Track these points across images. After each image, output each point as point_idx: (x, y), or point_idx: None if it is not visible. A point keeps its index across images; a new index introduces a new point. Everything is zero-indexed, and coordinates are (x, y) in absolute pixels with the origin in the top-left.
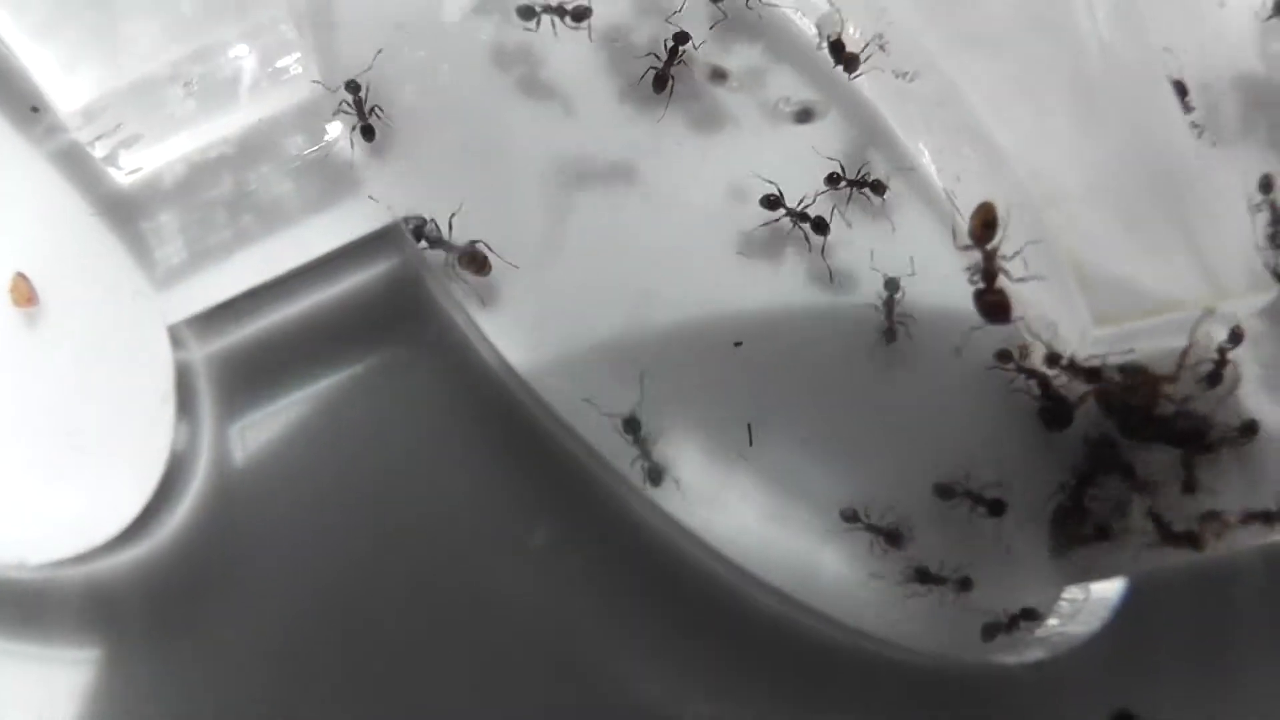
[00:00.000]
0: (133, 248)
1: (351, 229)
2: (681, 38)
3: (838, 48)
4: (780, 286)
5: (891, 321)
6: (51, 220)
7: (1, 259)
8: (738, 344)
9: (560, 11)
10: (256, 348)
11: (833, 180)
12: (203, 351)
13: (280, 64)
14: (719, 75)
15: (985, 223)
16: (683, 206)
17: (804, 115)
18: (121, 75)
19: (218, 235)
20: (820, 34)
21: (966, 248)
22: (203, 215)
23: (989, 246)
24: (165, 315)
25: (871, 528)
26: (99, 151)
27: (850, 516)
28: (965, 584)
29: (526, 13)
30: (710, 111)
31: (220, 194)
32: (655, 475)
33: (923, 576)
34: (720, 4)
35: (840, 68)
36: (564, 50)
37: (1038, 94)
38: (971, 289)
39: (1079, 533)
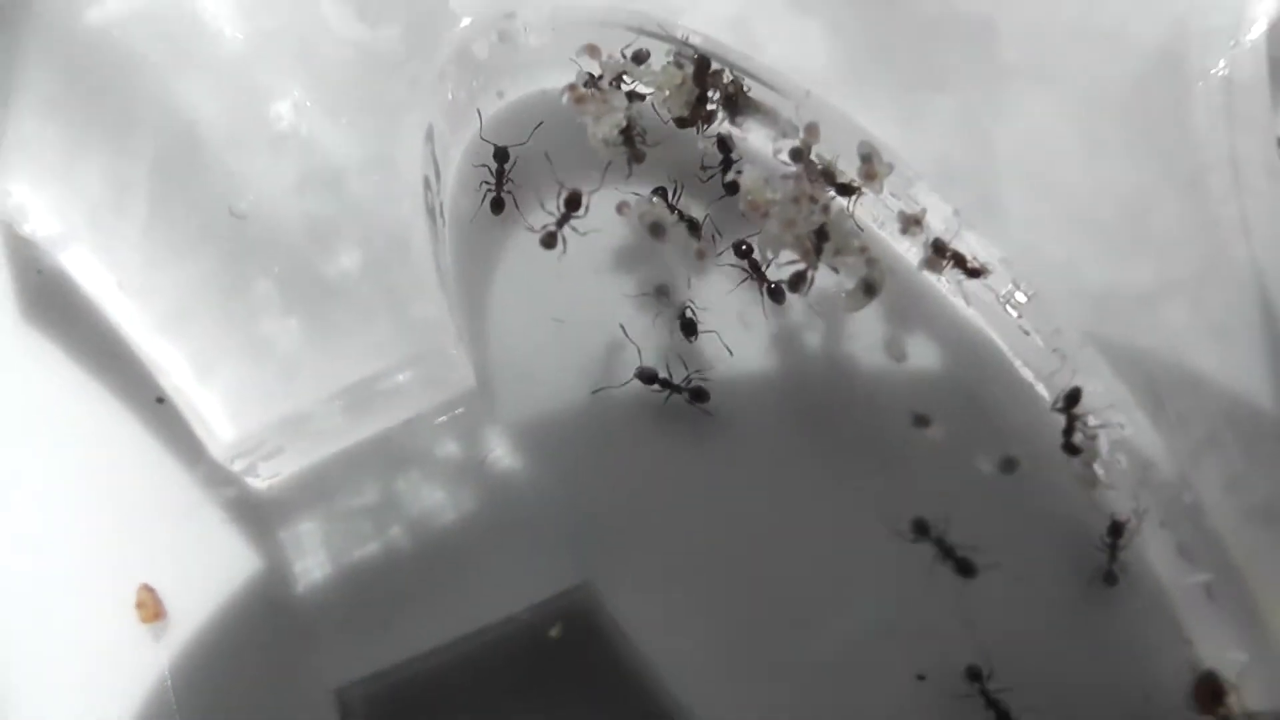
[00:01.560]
0: (269, 559)
1: (512, 564)
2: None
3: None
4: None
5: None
6: (179, 526)
7: (126, 570)
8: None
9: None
10: (419, 688)
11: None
12: (363, 691)
13: (438, 376)
14: (922, 421)
15: (1213, 696)
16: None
17: (1008, 465)
18: (273, 401)
19: (363, 547)
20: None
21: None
22: (348, 525)
23: (1222, 712)
24: (312, 641)
25: None
26: (236, 466)
27: None
28: None
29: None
30: (899, 455)
31: (365, 502)
32: None
33: None
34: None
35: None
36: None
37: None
38: None
39: None
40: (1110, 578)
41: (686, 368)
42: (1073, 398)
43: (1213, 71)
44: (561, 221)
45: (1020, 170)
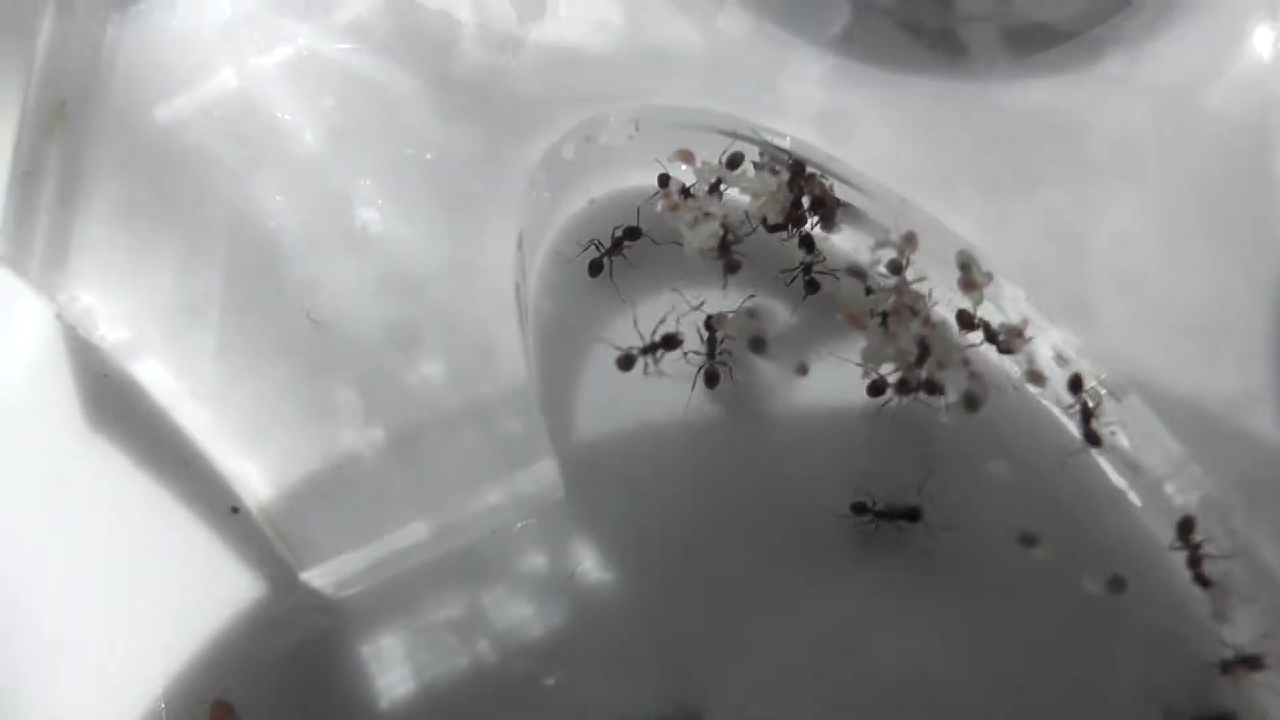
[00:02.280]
0: (349, 676)
1: (606, 680)
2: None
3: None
4: None
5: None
6: (254, 640)
7: (199, 686)
8: None
9: None
10: None
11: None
12: None
13: (527, 490)
14: (1029, 541)
15: None
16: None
17: (1116, 585)
18: (356, 517)
19: (449, 664)
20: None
21: None
22: (433, 640)
23: None
24: None
25: None
26: (316, 581)
27: None
28: None
29: None
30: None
31: (449, 616)
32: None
33: None
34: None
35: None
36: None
37: None
38: None
39: None
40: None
41: None
42: (1186, 525)
43: None
44: (647, 350)
45: (1109, 272)
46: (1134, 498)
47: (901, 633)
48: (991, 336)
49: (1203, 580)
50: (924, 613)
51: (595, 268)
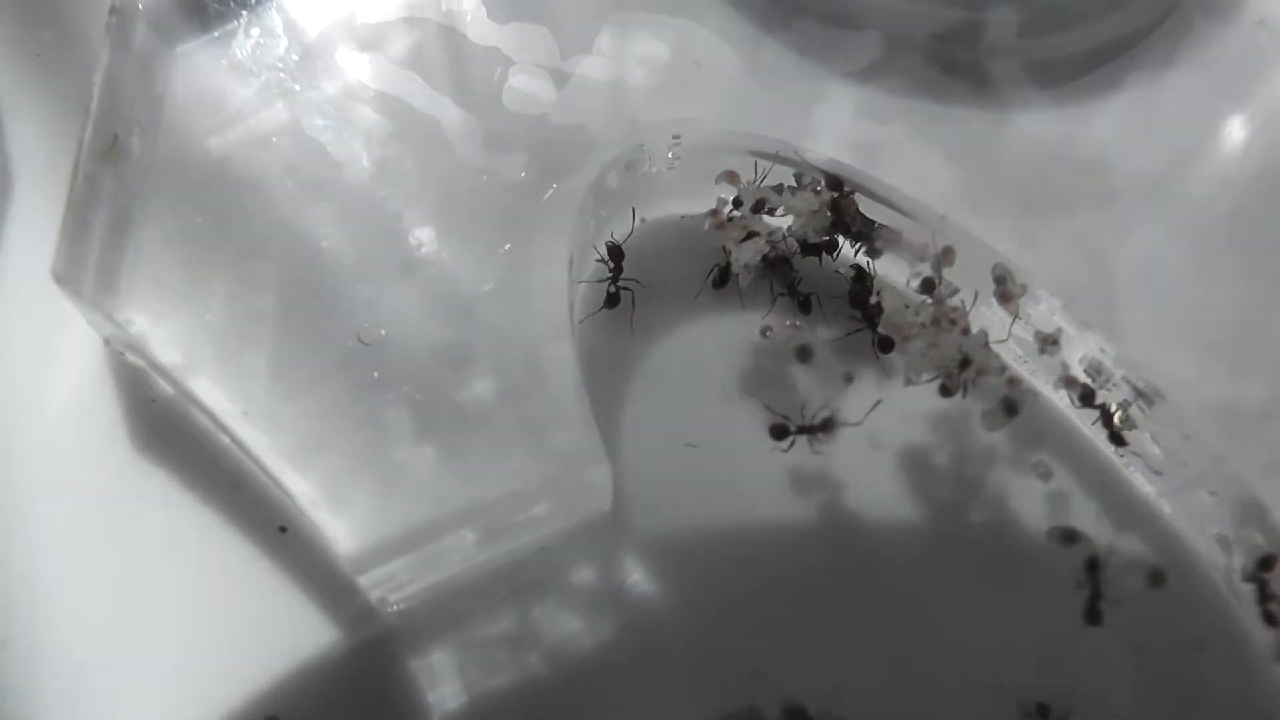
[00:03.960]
0: (401, 690)
1: (657, 693)
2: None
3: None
4: None
5: None
6: (304, 657)
7: (250, 705)
8: None
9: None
10: None
11: None
12: None
13: (575, 504)
14: (1070, 538)
15: None
16: None
17: (1156, 579)
18: (406, 533)
19: (499, 678)
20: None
21: None
22: (483, 654)
23: None
24: None
25: None
26: (369, 593)
27: None
28: None
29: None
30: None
31: (500, 630)
32: None
33: None
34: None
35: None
36: None
37: None
38: None
39: None
40: None
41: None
42: (1266, 563)
43: None
44: (806, 430)
45: (1139, 288)
46: (1166, 504)
47: (948, 626)
48: (1108, 420)
49: (1270, 618)
50: (963, 612)
51: (612, 300)
